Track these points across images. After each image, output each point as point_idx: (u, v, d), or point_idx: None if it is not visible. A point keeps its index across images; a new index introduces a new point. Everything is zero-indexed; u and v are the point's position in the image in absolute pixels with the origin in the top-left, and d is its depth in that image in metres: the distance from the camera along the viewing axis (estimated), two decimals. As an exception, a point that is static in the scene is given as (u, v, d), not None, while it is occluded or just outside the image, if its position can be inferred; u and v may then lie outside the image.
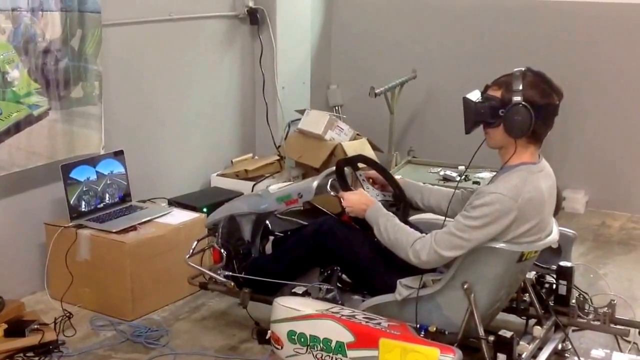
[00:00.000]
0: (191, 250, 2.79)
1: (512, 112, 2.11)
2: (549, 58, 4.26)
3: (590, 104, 4.31)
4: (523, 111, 2.10)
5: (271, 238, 2.85)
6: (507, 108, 2.12)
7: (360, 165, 2.68)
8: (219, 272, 2.70)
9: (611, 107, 4.28)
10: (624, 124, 4.27)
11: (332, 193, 2.61)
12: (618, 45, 4.21)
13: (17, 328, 2.67)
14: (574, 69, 4.29)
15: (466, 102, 2.20)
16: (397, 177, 2.70)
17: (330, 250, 2.47)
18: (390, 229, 2.28)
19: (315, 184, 2.64)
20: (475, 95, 2.24)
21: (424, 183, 2.68)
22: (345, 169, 2.60)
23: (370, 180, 2.64)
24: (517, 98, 2.11)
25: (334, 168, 2.62)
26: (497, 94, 2.16)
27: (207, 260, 2.90)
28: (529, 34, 4.39)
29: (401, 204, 2.58)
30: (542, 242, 2.23)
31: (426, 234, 2.24)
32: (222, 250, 2.72)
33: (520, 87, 2.11)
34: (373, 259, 2.40)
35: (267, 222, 2.88)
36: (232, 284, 2.64)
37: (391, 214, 2.35)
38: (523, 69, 2.17)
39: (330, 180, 2.63)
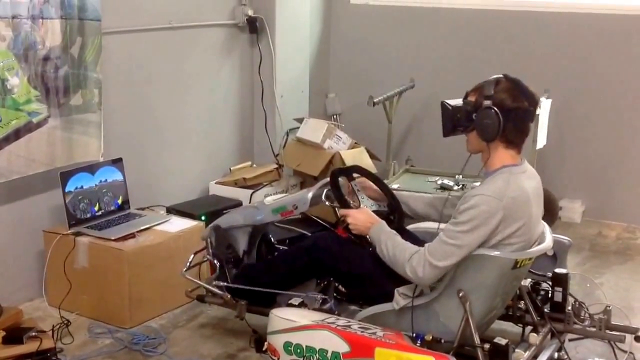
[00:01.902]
0: (188, 264, 2.80)
1: (481, 116, 2.17)
2: (546, 69, 4.29)
3: (587, 115, 4.33)
4: (492, 114, 2.15)
5: (276, 254, 2.85)
6: (478, 112, 2.17)
7: (354, 175, 2.69)
8: (214, 283, 2.70)
9: (607, 118, 4.31)
10: (620, 134, 4.29)
11: (327, 203, 2.61)
12: (614, 56, 4.23)
13: (15, 335, 2.67)
14: (571, 81, 4.32)
15: (443, 106, 2.26)
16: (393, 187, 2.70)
17: (326, 266, 2.49)
18: (390, 246, 2.29)
19: (310, 195, 2.66)
20: (457, 102, 2.29)
21: (423, 192, 2.69)
22: (340, 179, 2.61)
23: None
24: (487, 102, 2.16)
25: (328, 179, 2.63)
26: (473, 99, 2.22)
27: (206, 272, 2.90)
28: (527, 44, 4.41)
29: (395, 214, 2.59)
30: (535, 248, 2.25)
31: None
32: (215, 261, 2.73)
33: (492, 92, 2.16)
34: (369, 270, 2.40)
35: (270, 236, 2.88)
36: (229, 295, 2.64)
37: (393, 231, 2.35)
38: (500, 75, 2.22)
39: (325, 191, 2.64)
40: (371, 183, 2.65)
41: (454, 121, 2.24)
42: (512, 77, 2.22)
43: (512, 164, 2.22)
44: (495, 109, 2.14)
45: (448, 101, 2.28)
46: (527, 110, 2.20)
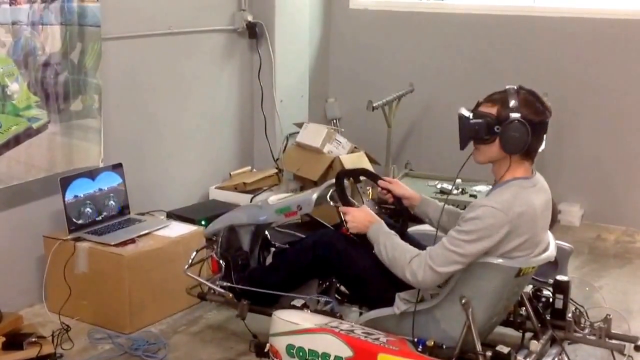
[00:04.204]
0: (190, 261, 2.80)
1: (509, 129, 2.14)
2: (544, 73, 4.30)
3: (585, 119, 4.35)
4: (521, 128, 2.13)
5: (272, 250, 2.86)
6: (504, 124, 2.14)
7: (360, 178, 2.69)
8: (217, 282, 2.70)
9: (606, 122, 4.32)
10: (619, 138, 4.30)
11: (331, 203, 2.61)
12: (612, 60, 4.24)
13: (14, 341, 2.67)
14: (569, 84, 4.33)
15: (462, 118, 2.21)
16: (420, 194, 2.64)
17: (329, 263, 2.48)
18: (389, 247, 2.28)
19: (314, 196, 2.65)
20: (466, 112, 2.25)
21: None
22: (345, 180, 2.61)
23: (385, 191, 2.63)
24: (514, 114, 2.13)
25: (333, 180, 2.62)
26: (492, 110, 2.18)
27: (206, 270, 2.91)
28: (526, 49, 4.42)
29: (401, 217, 2.59)
30: (539, 257, 2.24)
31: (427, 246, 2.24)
32: (221, 261, 2.73)
33: (517, 104, 2.14)
34: (371, 272, 2.40)
35: (267, 233, 2.89)
36: (230, 294, 2.65)
37: (392, 232, 2.34)
38: (515, 86, 2.20)
39: (330, 192, 2.64)
40: (392, 186, 2.60)
41: (475, 133, 2.19)
42: (528, 89, 2.20)
43: (523, 177, 2.20)
44: (525, 121, 2.12)
45: (464, 112, 2.23)
46: (546, 123, 2.20)
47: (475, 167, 2.31)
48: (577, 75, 4.33)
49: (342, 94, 5.00)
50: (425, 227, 2.65)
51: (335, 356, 2.14)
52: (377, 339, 2.17)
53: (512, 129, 2.14)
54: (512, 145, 2.16)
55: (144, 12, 3.61)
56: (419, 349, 2.19)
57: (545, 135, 2.24)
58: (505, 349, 2.18)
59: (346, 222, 2.43)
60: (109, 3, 3.29)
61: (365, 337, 2.18)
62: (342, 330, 2.19)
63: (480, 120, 2.18)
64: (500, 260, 2.16)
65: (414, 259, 2.20)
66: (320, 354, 2.16)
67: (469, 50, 4.59)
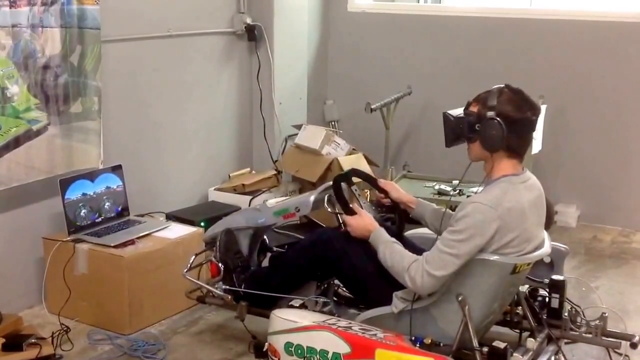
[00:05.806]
0: (189, 264, 2.81)
1: (485, 127, 2.19)
2: (541, 75, 4.32)
3: (582, 120, 4.37)
4: (496, 125, 2.17)
5: (269, 254, 2.87)
6: (482, 122, 2.19)
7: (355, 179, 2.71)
8: (216, 285, 2.72)
9: (602, 123, 4.34)
10: (615, 139, 4.32)
11: (329, 210, 2.63)
12: (608, 62, 4.27)
13: (14, 342, 2.68)
14: (566, 86, 4.35)
15: (445, 117, 2.28)
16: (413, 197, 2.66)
17: (328, 261, 2.49)
18: (387, 255, 2.30)
19: (312, 198, 2.68)
20: (458, 112, 2.31)
21: (418, 197, 2.69)
22: (342, 184, 2.62)
23: (382, 195, 2.64)
24: (490, 113, 2.18)
25: (330, 183, 2.64)
26: (475, 109, 2.24)
27: (205, 274, 2.92)
28: (523, 51, 4.44)
29: (395, 215, 2.61)
30: (534, 254, 2.26)
31: (426, 250, 2.26)
32: (220, 264, 2.74)
33: (495, 103, 2.18)
34: (370, 271, 2.42)
35: (265, 237, 2.90)
36: (230, 297, 2.66)
37: (392, 239, 2.36)
38: (502, 85, 2.24)
39: (326, 196, 2.66)
40: (394, 189, 2.62)
41: (457, 132, 2.26)
42: (514, 88, 2.24)
43: (512, 174, 2.24)
44: (499, 119, 2.16)
45: (450, 112, 2.29)
46: (530, 121, 2.23)
47: (475, 168, 2.33)
48: (574, 77, 4.35)
49: (340, 96, 5.02)
50: (423, 231, 2.66)
51: (333, 353, 2.15)
52: (375, 334, 2.18)
53: (488, 126, 2.18)
54: (489, 143, 2.20)
55: (143, 14, 3.63)
56: (417, 347, 2.20)
57: (534, 134, 2.28)
58: (501, 344, 2.20)
59: (341, 223, 2.45)
60: (109, 6, 3.31)
61: (363, 333, 2.19)
62: (339, 327, 2.21)
63: (462, 120, 2.23)
64: (496, 257, 2.18)
65: (411, 265, 2.22)
66: (318, 351, 2.18)
67: (467, 52, 4.61)
